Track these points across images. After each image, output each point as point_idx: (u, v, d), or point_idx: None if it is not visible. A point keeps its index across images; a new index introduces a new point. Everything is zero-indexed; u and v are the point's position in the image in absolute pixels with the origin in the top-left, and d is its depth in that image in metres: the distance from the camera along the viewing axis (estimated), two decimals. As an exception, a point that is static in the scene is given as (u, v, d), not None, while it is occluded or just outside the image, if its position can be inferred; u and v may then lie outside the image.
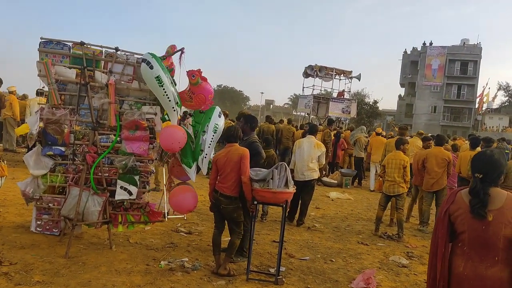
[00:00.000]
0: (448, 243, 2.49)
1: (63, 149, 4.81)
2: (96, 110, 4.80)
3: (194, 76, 4.69)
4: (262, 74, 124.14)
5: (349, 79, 24.93)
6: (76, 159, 4.84)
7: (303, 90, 24.88)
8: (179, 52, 4.83)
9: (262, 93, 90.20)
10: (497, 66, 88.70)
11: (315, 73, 23.33)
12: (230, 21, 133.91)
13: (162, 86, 4.45)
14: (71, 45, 4.80)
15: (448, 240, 2.48)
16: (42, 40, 4.74)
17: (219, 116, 4.84)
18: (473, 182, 2.41)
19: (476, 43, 52.93)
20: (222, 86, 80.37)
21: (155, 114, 4.86)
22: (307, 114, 23.84)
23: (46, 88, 4.79)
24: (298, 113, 27.99)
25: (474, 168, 2.44)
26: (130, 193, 4.84)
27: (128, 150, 4.80)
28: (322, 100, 24.05)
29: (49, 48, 4.76)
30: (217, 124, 4.75)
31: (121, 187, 4.80)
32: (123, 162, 4.71)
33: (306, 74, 23.90)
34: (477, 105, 53.09)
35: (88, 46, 4.79)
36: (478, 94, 52.76)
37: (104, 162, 4.86)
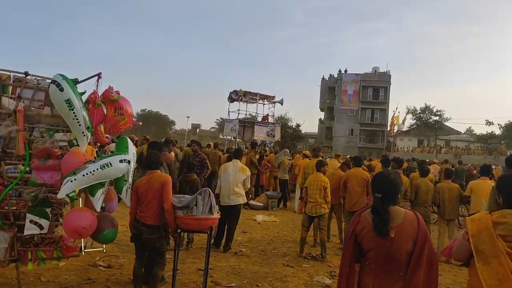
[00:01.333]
0: (354, 263, 2.60)
1: (-37, 182, 4.35)
2: (2, 139, 4.42)
3: (113, 93, 4.53)
4: (188, 99, 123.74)
5: (273, 104, 25.63)
6: (-22, 192, 4.39)
7: (228, 114, 25.12)
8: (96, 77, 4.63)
9: (188, 117, 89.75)
10: (405, 92, 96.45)
11: (240, 98, 23.71)
12: (154, 46, 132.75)
13: (72, 109, 4.17)
14: (-26, 70, 4.42)
15: (354, 259, 2.60)
16: None
17: (121, 162, 4.48)
18: (374, 202, 2.58)
19: (385, 71, 57.22)
20: (147, 110, 78.53)
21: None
22: (233, 138, 24.03)
23: None
24: (225, 137, 28.10)
25: (374, 188, 2.62)
26: (41, 227, 4.45)
27: (39, 180, 4.45)
28: (247, 124, 24.43)
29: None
30: (110, 163, 4.36)
31: (31, 221, 4.41)
32: (33, 194, 4.35)
33: (231, 99, 24.19)
34: (389, 128, 57.00)
35: (-6, 70, 4.43)
36: (389, 118, 56.78)
37: (12, 195, 4.45)
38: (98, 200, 4.40)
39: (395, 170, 7.70)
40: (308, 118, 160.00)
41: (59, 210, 4.66)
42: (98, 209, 4.48)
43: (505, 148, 46.27)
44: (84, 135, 4.42)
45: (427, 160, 15.92)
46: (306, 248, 7.38)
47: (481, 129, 75.52)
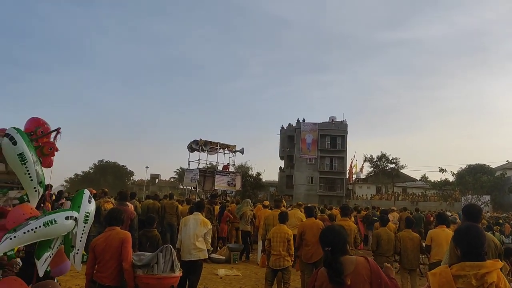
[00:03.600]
0: None
1: None
2: (-51, 197, 4.17)
3: (52, 149, 4.43)
4: (147, 148, 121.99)
5: (233, 153, 25.74)
6: None
7: (189, 164, 24.95)
8: (55, 132, 4.54)
9: (147, 167, 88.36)
10: (361, 140, 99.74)
11: (200, 147, 23.69)
12: (111, 95, 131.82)
13: (24, 164, 4.02)
14: None
15: None
16: None
17: (89, 202, 4.35)
18: (324, 255, 2.71)
19: (342, 120, 59.28)
20: (104, 161, 76.66)
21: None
22: (194, 188, 23.75)
23: None
24: (185, 187, 27.72)
25: (323, 243, 2.74)
26: (-12, 292, 4.15)
27: (-12, 241, 4.19)
28: (208, 173, 24.28)
29: None
30: (88, 213, 4.23)
31: (-23, 286, 4.10)
32: (-19, 256, 4.08)
33: (191, 148, 24.12)
34: (348, 176, 58.27)
35: None
36: (348, 166, 58.16)
37: (-43, 258, 4.15)
38: (42, 264, 4.02)
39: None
40: (268, 167, 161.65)
41: (11, 272, 4.37)
42: (41, 274, 4.07)
43: (459, 194, 48.15)
44: (35, 191, 4.23)
45: (388, 209, 16.30)
46: (270, 303, 7.21)
47: (435, 176, 78.49)
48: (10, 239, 3.79)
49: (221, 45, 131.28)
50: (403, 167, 55.20)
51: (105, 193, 11.72)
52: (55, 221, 3.98)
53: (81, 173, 75.03)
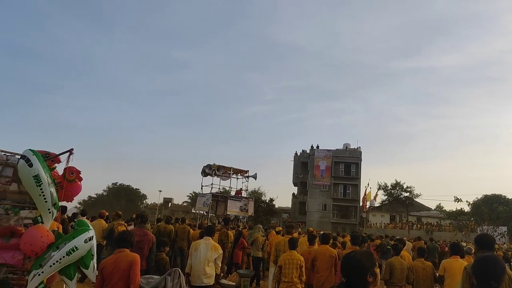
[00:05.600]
0: None
1: None
2: (-37, 216, 4.24)
3: (73, 173, 4.49)
4: (160, 172, 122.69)
5: (246, 178, 25.68)
6: None
7: (201, 188, 24.93)
8: (68, 153, 4.61)
9: (160, 191, 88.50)
10: (375, 167, 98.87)
11: (213, 172, 23.72)
12: (126, 120, 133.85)
13: (39, 185, 4.10)
14: None
15: None
16: None
17: (85, 242, 4.34)
18: (339, 286, 2.44)
19: (356, 147, 58.94)
20: (118, 184, 77.14)
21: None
22: (206, 212, 23.66)
23: None
24: (197, 212, 27.64)
25: (341, 272, 2.46)
26: (-3, 311, 4.16)
27: (0, 260, 4.22)
28: (220, 198, 24.20)
29: None
30: (76, 247, 4.23)
31: (-14, 305, 4.12)
32: (-9, 276, 4.11)
33: (204, 173, 24.16)
34: (361, 204, 57.52)
35: (-39, 145, 4.37)
36: (362, 193, 57.47)
37: (-33, 276, 4.18)
38: (92, 272, 4.41)
39: (366, 250, 7.63)
40: (281, 193, 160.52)
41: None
42: (94, 279, 4.40)
43: (475, 225, 47.02)
44: (50, 212, 4.30)
45: (404, 238, 15.99)
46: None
47: (450, 206, 77.06)
48: (39, 275, 4.05)
49: (235, 72, 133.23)
50: (417, 196, 54.41)
51: (118, 215, 11.74)
52: (76, 248, 4.20)
53: (95, 196, 75.53)
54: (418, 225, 52.24)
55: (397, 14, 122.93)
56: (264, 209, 47.91)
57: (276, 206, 53.44)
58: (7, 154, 4.50)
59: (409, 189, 53.95)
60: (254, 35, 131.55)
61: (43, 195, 4.16)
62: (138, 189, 78.58)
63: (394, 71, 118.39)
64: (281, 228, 14.64)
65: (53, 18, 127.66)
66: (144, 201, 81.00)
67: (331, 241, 9.98)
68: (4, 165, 4.43)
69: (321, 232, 10.96)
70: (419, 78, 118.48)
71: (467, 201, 49.32)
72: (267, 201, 50.97)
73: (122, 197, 73.39)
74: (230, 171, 24.54)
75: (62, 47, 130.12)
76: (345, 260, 2.46)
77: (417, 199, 55.38)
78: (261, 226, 14.71)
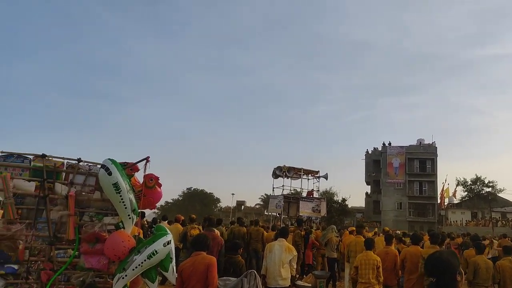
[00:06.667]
0: None
1: (16, 267, 4.45)
2: (54, 223, 4.58)
3: (152, 180, 4.66)
4: (232, 176, 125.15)
5: (317, 179, 25.42)
6: (30, 277, 4.48)
7: (273, 190, 25.06)
8: (144, 161, 4.82)
9: (233, 194, 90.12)
10: (453, 163, 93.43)
11: (284, 173, 23.75)
12: (196, 125, 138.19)
13: (119, 193, 4.34)
14: (32, 158, 4.72)
15: None
16: (2, 154, 4.65)
17: (164, 246, 4.46)
18: (428, 287, 2.33)
19: (431, 143, 56.10)
20: (192, 188, 79.82)
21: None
22: (278, 214, 23.74)
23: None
24: (270, 213, 27.84)
25: (427, 272, 2.37)
26: (87, 313, 4.43)
27: (87, 265, 4.51)
28: (292, 199, 24.16)
29: (9, 162, 4.66)
30: (155, 251, 4.36)
31: (78, 307, 4.41)
32: (81, 279, 4.39)
33: (275, 175, 24.26)
34: (439, 201, 54.57)
35: (50, 158, 4.72)
36: (439, 190, 54.53)
37: (60, 280, 4.51)
38: (172, 274, 4.55)
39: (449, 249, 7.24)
40: (353, 192, 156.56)
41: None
42: (174, 282, 4.59)
43: None
44: (130, 218, 4.52)
45: (482, 237, 14.94)
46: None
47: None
48: (123, 278, 4.27)
49: (302, 72, 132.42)
50: (501, 190, 50.51)
51: (192, 219, 12.14)
52: (156, 252, 4.34)
53: (171, 201, 78.71)
54: (503, 222, 48.39)
55: (468, 0, 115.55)
56: (336, 209, 47.08)
57: (349, 206, 52.28)
58: (89, 164, 4.82)
59: (491, 184, 50.29)
60: (319, 34, 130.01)
61: (123, 202, 4.40)
62: (212, 193, 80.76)
63: (470, 61, 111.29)
64: (354, 228, 14.31)
65: (127, 32, 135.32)
66: (218, 205, 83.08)
67: (421, 243, 9.54)
68: (87, 174, 4.75)
69: (411, 233, 10.52)
70: (498, 67, 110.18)
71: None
72: (339, 201, 50.05)
73: (197, 201, 75.75)
74: (301, 172, 24.40)
75: (137, 60, 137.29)
76: (432, 260, 2.39)
77: (500, 194, 51.48)
78: (335, 227, 14.49)
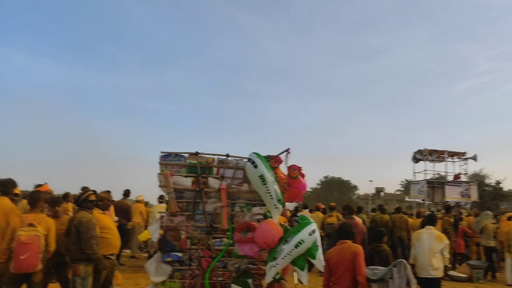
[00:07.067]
0: None
1: (180, 255, 5.00)
2: (210, 215, 5.04)
3: (295, 170, 4.79)
4: (369, 162, 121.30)
5: (464, 161, 23.28)
6: (192, 264, 5.01)
7: (414, 175, 23.68)
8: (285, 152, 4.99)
9: (371, 181, 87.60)
10: None
11: (426, 157, 22.31)
12: (330, 113, 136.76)
13: (265, 184, 4.57)
14: (187, 156, 5.24)
15: None
16: (162, 154, 5.25)
17: (310, 234, 4.49)
18: None
19: None
20: (329, 177, 79.86)
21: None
22: (422, 200, 22.40)
23: (166, 197, 5.19)
24: (412, 200, 26.37)
25: None
26: (243, 297, 4.79)
27: (241, 252, 4.86)
28: (436, 184, 22.53)
29: (169, 161, 5.23)
30: (302, 241, 4.42)
31: (235, 292, 4.78)
32: (236, 265, 4.76)
33: (415, 159, 22.91)
34: None
35: (202, 155, 5.19)
36: None
37: (218, 266, 4.95)
38: (320, 260, 4.61)
39: None
40: (509, 173, 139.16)
41: (259, 281, 4.96)
42: (322, 269, 4.70)
43: None
44: (276, 207, 4.74)
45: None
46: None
47: None
48: (274, 266, 4.51)
49: (440, 46, 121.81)
50: None
51: (332, 207, 12.21)
52: (302, 241, 4.46)
53: (310, 190, 79.86)
54: None
55: None
56: (490, 193, 42.41)
57: (505, 189, 46.61)
58: (236, 158, 5.17)
59: None
60: (456, 3, 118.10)
61: (269, 192, 4.64)
62: (349, 180, 79.75)
63: None
64: (512, 214, 12.78)
65: (262, 31, 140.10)
66: (356, 192, 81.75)
67: None
68: (236, 168, 5.10)
69: None
70: None
71: None
72: (492, 184, 44.98)
73: (335, 189, 75.68)
74: (444, 154, 22.60)
75: (270, 56, 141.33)
76: None
77: None
78: (490, 213, 13.14)
